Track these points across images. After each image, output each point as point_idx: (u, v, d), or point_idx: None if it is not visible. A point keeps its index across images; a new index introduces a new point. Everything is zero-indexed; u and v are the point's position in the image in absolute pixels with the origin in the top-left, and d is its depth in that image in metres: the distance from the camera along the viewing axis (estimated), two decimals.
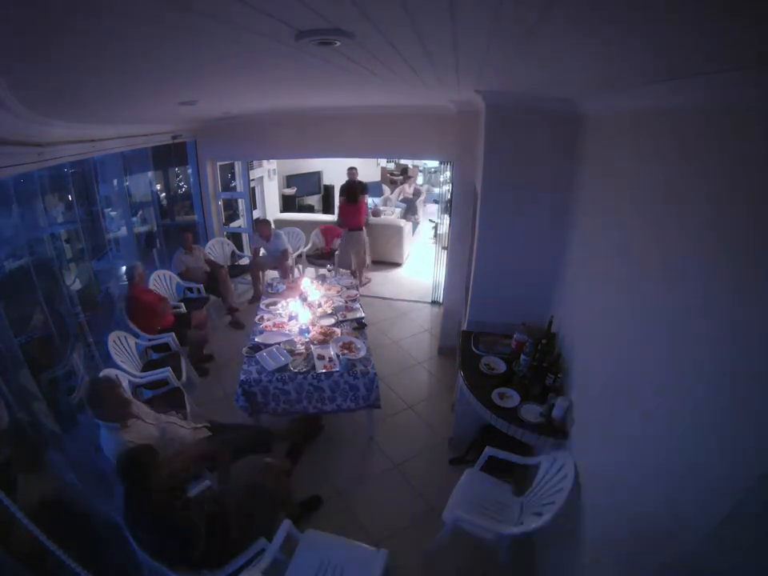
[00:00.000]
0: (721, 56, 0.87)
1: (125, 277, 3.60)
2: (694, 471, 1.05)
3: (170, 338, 3.47)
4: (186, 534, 1.69)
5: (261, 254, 5.29)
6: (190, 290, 4.56)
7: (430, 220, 7.85)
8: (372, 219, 6.90)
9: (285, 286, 4.09)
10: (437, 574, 2.25)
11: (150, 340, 3.49)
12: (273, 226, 5.38)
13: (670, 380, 1.22)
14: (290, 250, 5.29)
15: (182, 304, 4.16)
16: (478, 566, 2.25)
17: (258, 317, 3.51)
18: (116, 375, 2.76)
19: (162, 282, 4.25)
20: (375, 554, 1.88)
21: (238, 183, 5.74)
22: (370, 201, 8.83)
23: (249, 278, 5.34)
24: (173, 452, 2.20)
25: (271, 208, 6.95)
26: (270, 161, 6.68)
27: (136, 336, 3.40)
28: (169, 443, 2.26)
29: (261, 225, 5.08)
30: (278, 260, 5.07)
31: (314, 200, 8.74)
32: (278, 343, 3.07)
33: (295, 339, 3.14)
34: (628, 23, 0.74)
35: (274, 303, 3.73)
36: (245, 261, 5.57)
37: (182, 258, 4.56)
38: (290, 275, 5.22)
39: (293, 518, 2.21)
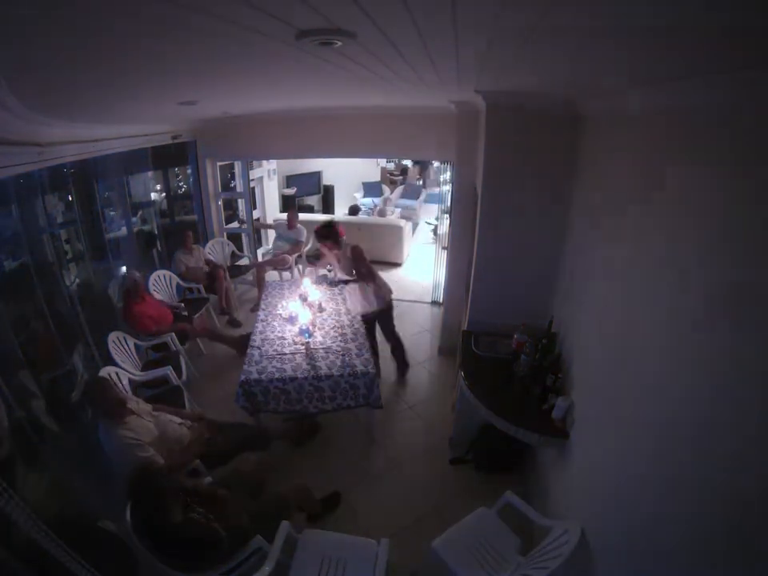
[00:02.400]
0: (727, 56, 0.87)
1: (121, 287, 3.57)
2: (695, 471, 1.05)
3: (169, 338, 3.47)
4: (210, 541, 1.71)
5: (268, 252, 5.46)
6: (190, 290, 4.55)
7: (427, 222, 7.83)
8: (372, 219, 6.89)
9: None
10: None
11: (149, 340, 3.50)
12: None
13: (670, 380, 1.22)
14: (303, 243, 5.51)
15: (182, 305, 4.17)
16: None
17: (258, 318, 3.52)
18: (115, 373, 2.77)
19: (162, 282, 4.24)
20: (376, 545, 1.86)
21: (238, 183, 5.74)
22: (370, 200, 8.89)
23: (249, 278, 5.34)
24: (175, 449, 2.24)
25: (271, 208, 6.95)
26: (270, 161, 6.68)
27: (136, 336, 3.40)
28: (167, 440, 2.28)
29: (290, 212, 5.50)
30: (291, 249, 5.37)
31: (313, 200, 8.75)
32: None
33: (296, 339, 3.14)
34: (630, 22, 0.74)
35: (274, 305, 3.75)
36: (244, 261, 5.58)
37: (181, 258, 4.54)
38: (291, 270, 5.40)
39: (314, 517, 2.34)
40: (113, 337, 3.08)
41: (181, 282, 4.47)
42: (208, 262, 4.80)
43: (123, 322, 3.52)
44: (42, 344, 2.86)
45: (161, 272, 4.27)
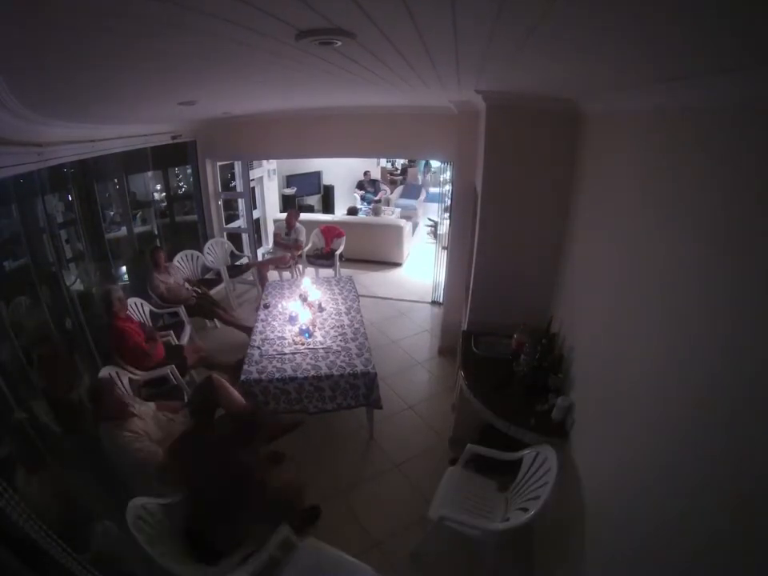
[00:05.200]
0: (731, 55, 0.87)
1: (103, 301, 3.01)
2: (694, 470, 1.05)
3: (169, 371, 3.06)
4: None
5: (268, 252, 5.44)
6: (175, 313, 3.98)
7: (429, 218, 7.82)
8: (372, 219, 6.88)
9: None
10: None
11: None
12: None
13: (669, 380, 1.22)
14: (303, 242, 5.49)
15: (171, 331, 3.67)
16: (468, 566, 2.22)
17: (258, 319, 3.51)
18: (116, 372, 2.76)
19: (137, 311, 3.59)
20: (372, 572, 1.81)
21: (238, 183, 5.74)
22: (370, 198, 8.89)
23: (250, 278, 5.34)
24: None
25: (271, 208, 6.95)
26: (270, 161, 6.68)
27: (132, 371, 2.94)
28: (168, 439, 2.28)
29: (290, 213, 5.51)
30: (292, 246, 5.34)
31: (313, 200, 8.75)
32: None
33: (296, 339, 3.14)
34: (630, 24, 0.74)
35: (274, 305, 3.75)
36: (244, 261, 5.57)
37: (158, 278, 3.96)
38: (293, 270, 5.40)
39: (292, 528, 2.15)
40: (105, 373, 2.69)
41: (153, 309, 3.81)
42: (189, 280, 4.32)
43: (111, 350, 2.98)
44: (48, 363, 2.81)
45: (133, 299, 3.59)
